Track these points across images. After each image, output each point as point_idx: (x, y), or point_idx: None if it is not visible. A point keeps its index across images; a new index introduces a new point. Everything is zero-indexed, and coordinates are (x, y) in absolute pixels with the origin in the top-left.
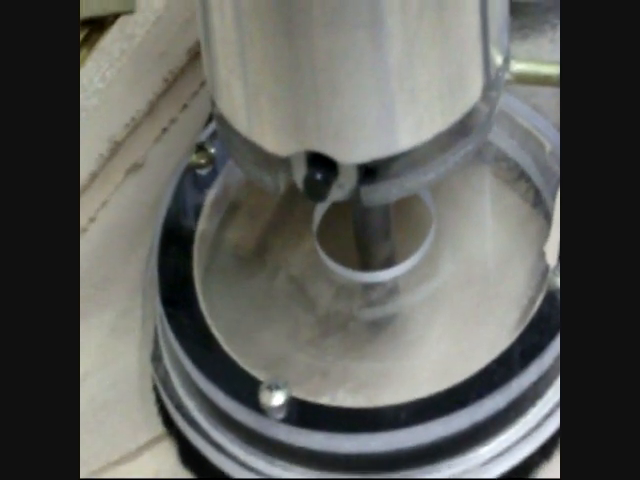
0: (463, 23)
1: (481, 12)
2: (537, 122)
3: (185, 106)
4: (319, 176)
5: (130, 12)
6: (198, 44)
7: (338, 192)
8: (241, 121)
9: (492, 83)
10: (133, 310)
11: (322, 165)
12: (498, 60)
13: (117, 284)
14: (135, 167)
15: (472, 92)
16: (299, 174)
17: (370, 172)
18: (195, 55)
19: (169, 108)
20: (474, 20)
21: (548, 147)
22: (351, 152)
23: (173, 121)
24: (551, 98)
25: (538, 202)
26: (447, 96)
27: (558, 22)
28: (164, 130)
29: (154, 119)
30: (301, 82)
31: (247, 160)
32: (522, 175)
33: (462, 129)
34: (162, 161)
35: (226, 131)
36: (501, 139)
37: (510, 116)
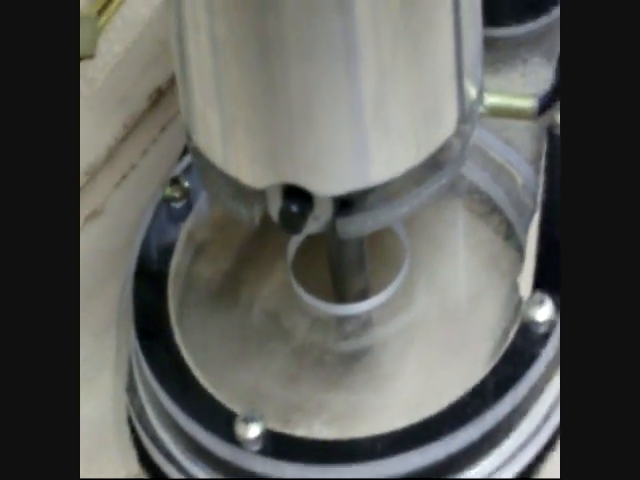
0: (438, 56)
1: (456, 45)
2: (509, 156)
3: (145, 151)
4: (295, 208)
5: (90, 57)
6: (158, 89)
7: (314, 224)
8: (217, 154)
9: (466, 116)
10: (102, 351)
11: (298, 197)
12: (472, 93)
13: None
14: (94, 214)
15: (446, 125)
16: (274, 206)
17: (346, 204)
18: (156, 100)
19: (129, 154)
20: (449, 53)
21: (520, 180)
22: (326, 184)
23: (133, 167)
24: (523, 132)
25: (510, 235)
26: (422, 129)
27: (529, 56)
28: (124, 176)
29: (114, 165)
30: (276, 114)
31: (223, 192)
32: (495, 208)
33: (436, 162)
34: (122, 207)
35: (202, 164)
36: (474, 172)
37: (483, 150)
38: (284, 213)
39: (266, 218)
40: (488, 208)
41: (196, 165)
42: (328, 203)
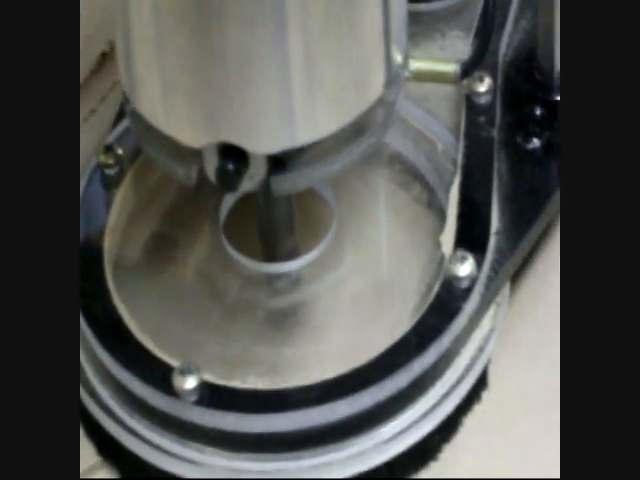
0: (366, 22)
1: (383, 12)
2: (430, 124)
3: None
4: (230, 166)
5: None
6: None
7: (248, 183)
8: (156, 115)
9: (392, 80)
10: None
11: (233, 156)
12: (398, 58)
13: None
14: None
15: (374, 88)
16: (211, 165)
17: (279, 163)
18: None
19: None
20: (377, 18)
21: (440, 147)
22: (260, 143)
23: None
24: (442, 101)
25: (432, 199)
26: (351, 91)
27: (447, 30)
28: None
29: None
30: (213, 77)
31: (161, 153)
32: (417, 174)
33: (364, 124)
34: None
35: (140, 126)
36: (396, 141)
37: (404, 119)
38: (220, 171)
39: (199, 182)
40: (411, 174)
41: (134, 128)
42: (262, 162)
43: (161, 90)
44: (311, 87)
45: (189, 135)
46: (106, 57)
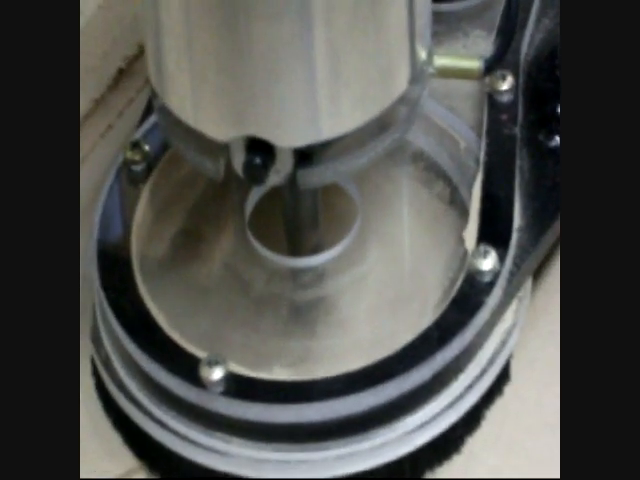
0: (392, 17)
1: (408, 8)
2: (452, 122)
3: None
4: (258, 160)
5: None
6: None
7: (275, 176)
8: (185, 110)
9: (417, 75)
10: None
11: (260, 150)
12: (422, 54)
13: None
14: None
15: (399, 84)
16: (238, 159)
17: (306, 156)
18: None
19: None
20: (402, 15)
21: (463, 144)
22: (287, 137)
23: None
24: (465, 99)
25: (455, 196)
26: (377, 86)
27: (470, 29)
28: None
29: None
30: (241, 72)
31: (189, 147)
32: (440, 171)
33: (389, 119)
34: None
35: (169, 121)
36: (420, 138)
37: (427, 116)
38: (248, 165)
39: (224, 179)
40: (434, 172)
41: (162, 123)
42: (288, 155)
43: (190, 85)
44: (336, 82)
45: (217, 129)
46: (123, 73)
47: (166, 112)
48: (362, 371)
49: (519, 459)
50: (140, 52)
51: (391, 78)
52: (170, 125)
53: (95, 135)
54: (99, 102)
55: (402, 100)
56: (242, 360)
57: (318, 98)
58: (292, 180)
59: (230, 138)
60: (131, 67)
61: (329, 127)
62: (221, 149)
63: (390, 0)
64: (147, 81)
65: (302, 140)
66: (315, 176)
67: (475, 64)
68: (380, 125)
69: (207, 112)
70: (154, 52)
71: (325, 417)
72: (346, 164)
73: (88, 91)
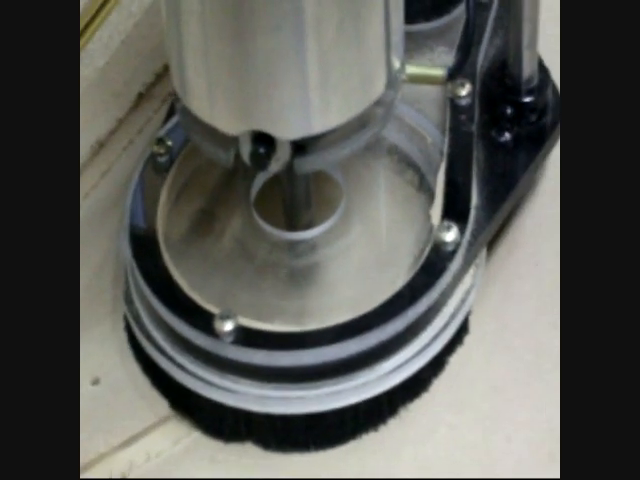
0: (371, 33)
1: (385, 25)
2: (421, 121)
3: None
4: (261, 150)
5: None
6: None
7: (276, 164)
8: (202, 109)
9: (392, 81)
10: (103, 273)
11: (264, 141)
12: (397, 63)
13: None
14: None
15: (377, 87)
16: (245, 149)
17: (301, 147)
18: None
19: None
20: (380, 31)
21: (429, 140)
22: (286, 130)
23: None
24: (431, 103)
25: (423, 182)
26: (359, 89)
27: (435, 46)
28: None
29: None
30: (247, 76)
31: (205, 140)
32: (410, 162)
33: (369, 116)
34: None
35: (189, 120)
36: (394, 135)
37: (400, 117)
38: (253, 154)
39: (234, 168)
40: (405, 163)
41: (183, 121)
42: (287, 146)
43: (206, 88)
44: (325, 86)
45: (228, 124)
46: (142, 97)
47: (186, 112)
48: (348, 324)
49: (476, 396)
50: (156, 79)
51: (371, 83)
52: (190, 122)
53: (119, 149)
54: (122, 121)
55: (379, 102)
56: (249, 315)
57: (310, 99)
58: (290, 167)
59: (239, 132)
60: (149, 92)
61: (320, 123)
62: (231, 141)
63: (370, 18)
64: (163, 102)
65: (298, 133)
66: (308, 163)
67: (440, 72)
68: (361, 122)
69: (220, 110)
70: (178, 64)
71: (317, 361)
72: (334, 154)
73: (113, 112)
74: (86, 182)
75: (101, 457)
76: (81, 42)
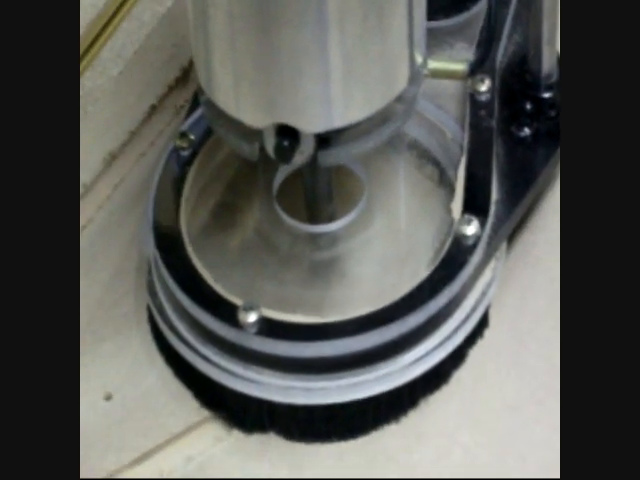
0: (395, 29)
1: (408, 21)
2: (441, 117)
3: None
4: (286, 143)
5: None
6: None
7: (300, 157)
8: (227, 102)
9: (415, 76)
10: (127, 266)
11: (288, 134)
12: (419, 59)
13: (114, 245)
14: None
15: (400, 82)
16: (270, 142)
17: (324, 140)
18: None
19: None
20: (403, 27)
21: (449, 135)
22: (310, 124)
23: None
24: (451, 98)
25: (443, 177)
26: (383, 83)
27: (455, 42)
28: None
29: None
30: (272, 69)
31: (230, 133)
32: (430, 157)
33: (393, 109)
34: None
35: (214, 113)
36: (414, 130)
37: (421, 113)
38: (278, 147)
39: (255, 164)
40: (426, 157)
41: (208, 114)
42: (311, 139)
43: (232, 81)
44: (349, 80)
45: (253, 117)
46: (155, 109)
47: (211, 105)
48: (369, 315)
49: (496, 389)
50: (169, 91)
51: (394, 78)
52: (215, 115)
53: (131, 161)
54: (134, 133)
55: (402, 96)
56: (272, 306)
57: (334, 93)
58: (313, 160)
59: (264, 125)
60: (162, 103)
61: (343, 117)
62: (256, 134)
63: (393, 13)
64: (175, 114)
65: (321, 127)
66: (332, 157)
67: (461, 66)
68: (384, 116)
69: (246, 103)
70: (204, 58)
71: (339, 352)
72: (356, 147)
73: (126, 124)
74: (99, 194)
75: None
76: (93, 50)
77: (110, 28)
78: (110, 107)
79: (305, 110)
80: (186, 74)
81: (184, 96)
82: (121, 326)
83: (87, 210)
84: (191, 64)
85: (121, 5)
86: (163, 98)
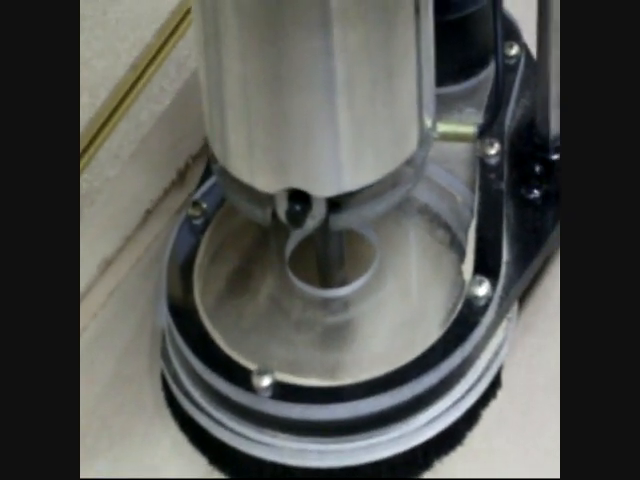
0: (405, 92)
1: (417, 86)
2: (451, 181)
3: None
4: (298, 207)
5: None
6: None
7: (311, 221)
8: (240, 170)
9: (424, 139)
10: (141, 333)
11: (300, 199)
12: (428, 122)
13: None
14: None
15: (409, 145)
16: (282, 207)
17: (336, 204)
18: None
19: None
20: (413, 90)
21: (460, 198)
22: (322, 188)
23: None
24: (460, 163)
25: (454, 240)
26: (394, 147)
27: (464, 107)
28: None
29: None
30: (284, 136)
31: (242, 199)
32: (441, 221)
33: (403, 173)
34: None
35: (227, 180)
36: (424, 195)
37: (430, 177)
38: (290, 212)
39: (267, 231)
40: (436, 221)
41: (221, 182)
42: (323, 203)
43: (246, 148)
44: (358, 144)
45: (266, 183)
46: (150, 213)
47: (224, 173)
48: (382, 378)
49: (510, 450)
50: (165, 194)
51: (404, 140)
52: (228, 182)
53: (126, 267)
54: (129, 239)
55: (412, 159)
56: (285, 370)
57: (344, 157)
58: (325, 224)
59: (276, 190)
60: (157, 208)
61: (354, 180)
62: (268, 200)
63: (403, 77)
64: (170, 219)
65: (333, 191)
66: (343, 220)
67: (470, 129)
68: (394, 179)
69: (258, 169)
70: (220, 129)
71: (353, 415)
72: (368, 211)
73: (121, 229)
74: (93, 302)
75: None
76: (90, 151)
77: (107, 128)
78: (106, 212)
79: (316, 174)
80: (182, 176)
81: (180, 198)
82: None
83: (81, 318)
84: (187, 166)
85: (119, 104)
86: (158, 202)
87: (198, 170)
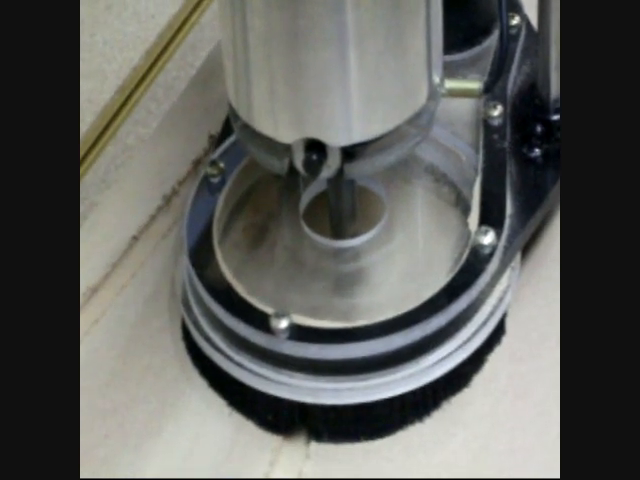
0: (415, 51)
1: (427, 44)
2: (455, 142)
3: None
4: (314, 157)
5: None
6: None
7: (327, 170)
8: (261, 122)
9: (433, 94)
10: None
11: (316, 149)
12: (436, 79)
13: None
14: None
15: (419, 99)
16: (299, 157)
17: (350, 154)
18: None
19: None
20: (422, 49)
21: (464, 159)
22: (337, 138)
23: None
24: (464, 126)
25: (459, 198)
26: (404, 100)
27: (467, 74)
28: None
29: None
30: (302, 88)
31: (262, 151)
32: (446, 179)
33: (413, 124)
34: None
35: (247, 133)
36: (431, 155)
37: (436, 139)
38: (307, 161)
39: (282, 188)
40: (442, 180)
41: (241, 136)
42: (337, 153)
43: (269, 103)
44: (371, 97)
45: (283, 133)
46: (136, 239)
47: (244, 126)
48: (394, 319)
49: (512, 392)
50: (150, 221)
51: (414, 94)
52: (247, 136)
53: (112, 294)
54: (115, 265)
55: (421, 112)
56: (302, 314)
57: (358, 109)
58: (339, 173)
59: (293, 140)
60: (142, 234)
61: (367, 131)
62: (285, 149)
63: (413, 34)
64: (156, 246)
65: (347, 140)
66: (357, 169)
67: (476, 85)
68: (405, 130)
69: (277, 121)
70: (244, 88)
71: (366, 354)
72: (380, 160)
73: (106, 256)
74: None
75: None
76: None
77: (94, 151)
78: (91, 237)
79: (330, 124)
80: (168, 202)
81: (166, 224)
82: None
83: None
84: (174, 191)
85: (106, 127)
86: (144, 229)
87: (184, 195)
